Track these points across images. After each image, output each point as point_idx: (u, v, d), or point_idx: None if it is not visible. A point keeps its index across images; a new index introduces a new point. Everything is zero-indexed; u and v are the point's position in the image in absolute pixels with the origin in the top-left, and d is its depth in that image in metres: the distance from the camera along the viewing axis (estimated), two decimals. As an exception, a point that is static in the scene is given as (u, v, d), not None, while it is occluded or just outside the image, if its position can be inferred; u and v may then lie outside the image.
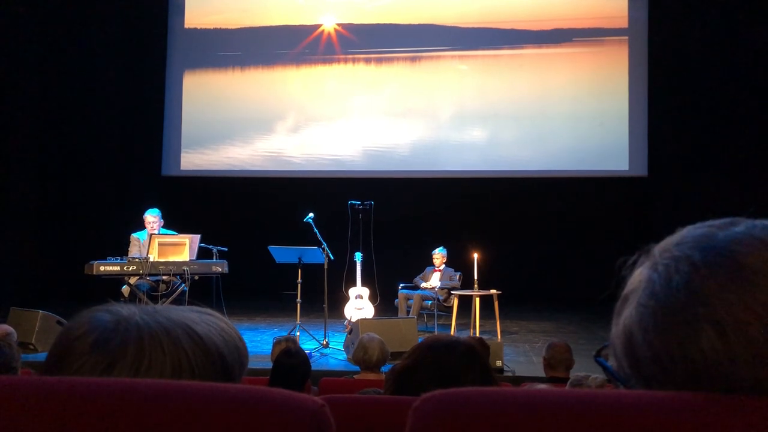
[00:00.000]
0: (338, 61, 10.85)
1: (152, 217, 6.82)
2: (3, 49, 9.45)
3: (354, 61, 10.83)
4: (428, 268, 7.93)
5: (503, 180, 10.08)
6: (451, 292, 7.40)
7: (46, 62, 10.13)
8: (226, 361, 0.72)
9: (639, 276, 0.67)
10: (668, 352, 0.61)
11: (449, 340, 1.72)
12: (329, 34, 10.83)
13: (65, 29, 10.30)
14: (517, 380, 5.07)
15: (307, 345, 6.26)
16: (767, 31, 9.09)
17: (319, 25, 10.85)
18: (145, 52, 10.82)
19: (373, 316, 7.12)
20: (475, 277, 6.94)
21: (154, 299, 6.37)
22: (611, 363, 0.69)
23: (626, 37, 10.23)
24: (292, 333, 6.40)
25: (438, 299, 7.45)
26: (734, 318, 0.58)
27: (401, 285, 7.81)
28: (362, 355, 4.11)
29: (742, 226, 0.65)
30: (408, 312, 7.45)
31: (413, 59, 10.73)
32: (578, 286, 8.81)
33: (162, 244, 6.47)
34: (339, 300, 7.52)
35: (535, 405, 0.59)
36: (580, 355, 4.31)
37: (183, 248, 6.52)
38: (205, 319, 0.74)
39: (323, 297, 6.67)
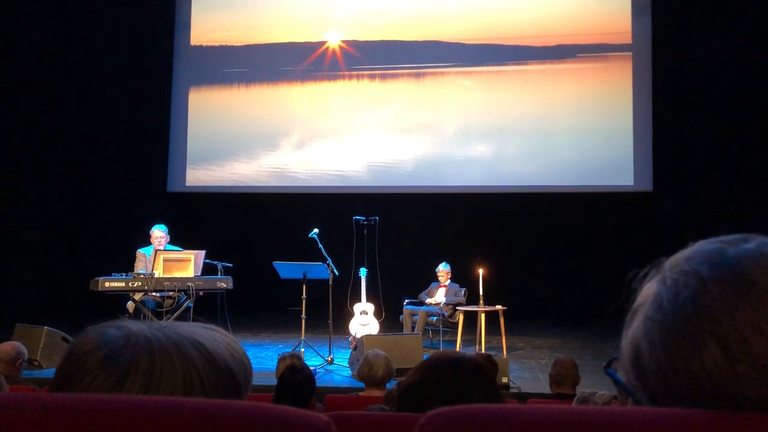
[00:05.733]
0: (343, 77, 10.91)
1: (160, 233, 6.84)
2: (9, 66, 9.53)
3: (359, 77, 10.89)
4: (433, 284, 7.91)
5: (508, 195, 10.08)
6: (457, 308, 7.38)
7: (52, 79, 10.21)
8: (235, 376, 0.72)
9: (648, 290, 0.67)
10: (672, 367, 0.61)
11: (455, 357, 1.71)
12: (334, 50, 10.90)
13: (71, 46, 10.40)
14: (523, 397, 5.03)
15: (312, 361, 6.24)
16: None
17: (324, 42, 10.93)
18: (151, 69, 10.90)
19: (378, 332, 7.10)
20: (481, 293, 6.91)
21: (159, 315, 6.36)
22: (620, 375, 0.69)
23: (630, 53, 10.26)
24: (297, 349, 6.38)
25: (443, 315, 7.42)
26: (740, 335, 0.58)
27: (406, 301, 7.78)
28: (367, 371, 4.10)
29: (754, 243, 0.65)
30: (413, 328, 7.42)
31: (418, 75, 10.78)
32: (584, 302, 8.77)
33: (167, 260, 6.48)
34: (344, 316, 7.50)
35: (541, 422, 0.59)
36: (586, 371, 4.29)
37: (188, 264, 6.53)
38: (212, 335, 0.74)
39: (328, 313, 6.66)
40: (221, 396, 0.69)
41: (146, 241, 6.93)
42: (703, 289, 0.61)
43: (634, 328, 0.66)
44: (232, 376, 0.72)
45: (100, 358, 0.68)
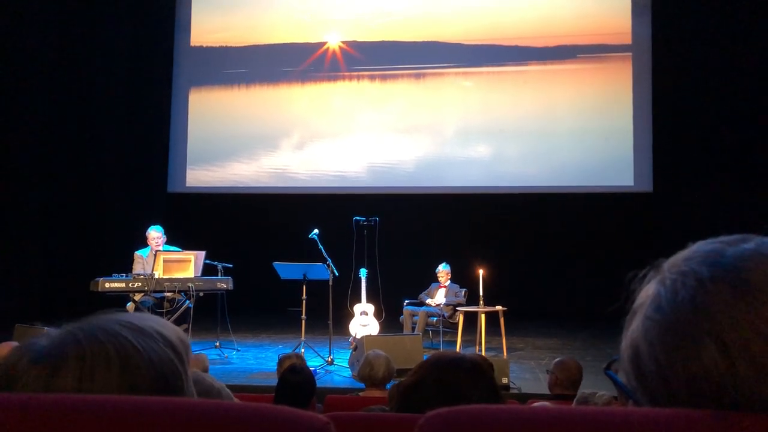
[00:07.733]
0: (343, 78, 10.91)
1: (156, 233, 6.85)
2: (10, 66, 9.53)
3: (359, 78, 10.89)
4: (433, 285, 7.91)
5: (508, 196, 10.08)
6: (457, 308, 7.38)
7: (52, 79, 10.20)
8: (166, 337, 0.74)
9: (647, 291, 0.67)
10: (671, 367, 0.61)
11: (454, 357, 1.71)
12: (334, 51, 10.90)
13: (71, 46, 10.39)
14: (524, 397, 5.03)
15: (312, 362, 6.24)
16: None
17: (324, 43, 10.93)
18: (151, 70, 10.91)
19: (378, 332, 7.10)
20: (481, 294, 6.91)
21: (159, 316, 6.35)
22: (620, 376, 0.69)
23: (630, 54, 10.26)
24: (297, 350, 6.38)
25: (443, 316, 7.42)
26: (738, 334, 0.58)
27: (406, 301, 7.78)
28: (368, 371, 4.10)
29: (752, 243, 0.65)
30: (413, 329, 7.42)
31: (418, 76, 10.78)
32: (584, 303, 8.77)
33: (167, 261, 6.48)
34: (344, 317, 7.50)
35: (542, 423, 0.59)
36: (586, 371, 4.28)
37: (188, 265, 6.53)
38: (135, 314, 0.77)
39: (328, 313, 6.66)
40: (165, 360, 0.71)
41: (146, 242, 6.94)
42: (702, 290, 0.61)
43: (633, 329, 0.66)
44: (165, 339, 0.73)
45: (27, 361, 0.70)
